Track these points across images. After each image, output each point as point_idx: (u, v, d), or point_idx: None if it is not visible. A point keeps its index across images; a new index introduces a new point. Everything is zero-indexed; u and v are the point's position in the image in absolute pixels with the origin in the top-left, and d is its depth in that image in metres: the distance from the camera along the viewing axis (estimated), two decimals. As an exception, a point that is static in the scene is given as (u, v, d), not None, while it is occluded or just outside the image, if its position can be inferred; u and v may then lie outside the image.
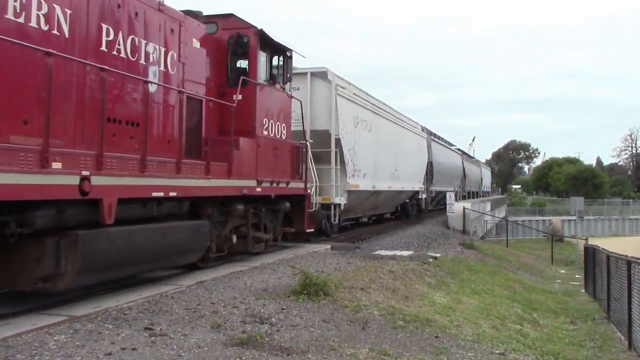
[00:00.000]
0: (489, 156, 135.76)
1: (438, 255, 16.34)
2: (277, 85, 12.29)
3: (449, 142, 46.31)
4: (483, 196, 58.38)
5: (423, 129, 32.44)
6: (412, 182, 26.99)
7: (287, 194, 12.69)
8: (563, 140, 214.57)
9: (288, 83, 13.06)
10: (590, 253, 19.27)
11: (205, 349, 5.75)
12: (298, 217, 13.51)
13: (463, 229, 28.44)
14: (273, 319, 7.10)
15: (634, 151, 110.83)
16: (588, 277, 19.97)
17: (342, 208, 17.41)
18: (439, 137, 40.94)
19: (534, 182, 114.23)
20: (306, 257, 12.69)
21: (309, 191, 13.83)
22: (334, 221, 17.04)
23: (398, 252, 15.45)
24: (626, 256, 12.29)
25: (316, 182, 14.62)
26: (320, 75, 17.11)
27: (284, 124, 12.66)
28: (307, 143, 14.15)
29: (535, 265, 29.11)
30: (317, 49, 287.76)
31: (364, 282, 10.19)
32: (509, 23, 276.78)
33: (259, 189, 11.16)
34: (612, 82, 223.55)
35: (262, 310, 7.47)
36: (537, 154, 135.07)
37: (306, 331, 6.84)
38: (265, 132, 11.69)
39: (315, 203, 14.53)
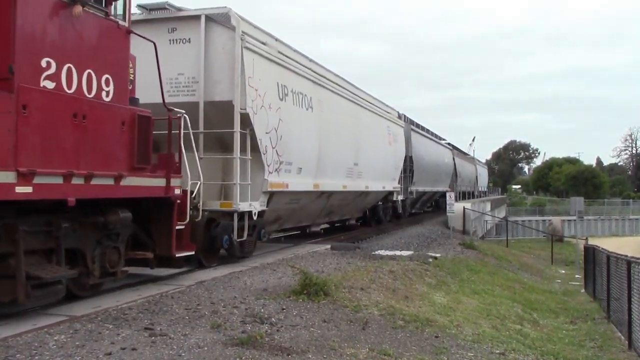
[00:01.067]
0: (489, 156, 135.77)
1: (438, 255, 16.33)
2: (78, 8, 6.95)
3: (436, 135, 39.04)
4: (479, 197, 53.90)
5: (400, 116, 25.91)
6: (382, 180, 21.19)
7: (121, 198, 7.84)
8: (563, 140, 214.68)
9: (113, 5, 7.74)
10: (590, 253, 19.27)
11: (205, 349, 5.75)
12: (163, 234, 8.83)
13: (463, 229, 28.43)
14: (273, 319, 7.10)
15: (634, 151, 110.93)
16: (588, 277, 19.97)
17: (257, 217, 11.98)
18: (422, 128, 33.50)
19: (534, 182, 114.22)
20: (306, 257, 12.69)
21: (177, 192, 8.88)
22: (244, 236, 11.58)
23: (398, 252, 15.44)
24: (626, 256, 12.29)
25: (198, 178, 9.78)
26: (220, 19, 11.42)
27: (107, 76, 7.52)
28: (183, 116, 9.46)
29: (535, 265, 29.11)
30: (316, 48, 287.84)
31: (364, 282, 10.19)
32: (509, 23, 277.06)
33: (23, 189, 6.18)
34: (612, 81, 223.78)
35: (262, 310, 7.47)
36: (537, 154, 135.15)
37: (306, 331, 6.84)
38: (51, 84, 6.65)
39: (201, 211, 10.07)
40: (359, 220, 23.65)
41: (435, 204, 39.69)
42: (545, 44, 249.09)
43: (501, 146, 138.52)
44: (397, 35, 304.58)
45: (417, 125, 31.65)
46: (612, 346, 11.35)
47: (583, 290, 20.38)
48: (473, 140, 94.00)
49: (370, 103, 20.48)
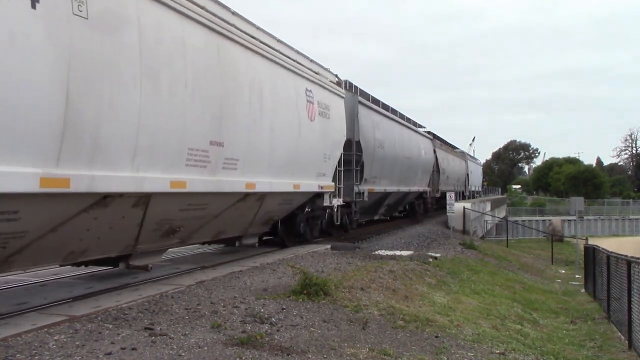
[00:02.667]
0: (489, 156, 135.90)
1: (438, 255, 16.34)
2: None
3: (407, 119, 28.61)
4: (471, 197, 48.47)
5: (341, 82, 17.06)
6: (293, 176, 12.94)
7: None
8: (563, 140, 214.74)
9: None
10: (590, 253, 19.27)
11: (205, 348, 5.75)
12: None
13: (463, 229, 28.44)
14: (273, 319, 7.10)
15: (634, 151, 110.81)
16: (588, 277, 19.97)
17: None
18: (382, 105, 23.67)
19: (534, 182, 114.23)
20: (306, 257, 12.69)
21: None
22: None
23: (398, 252, 15.45)
24: (626, 256, 12.29)
25: None
26: None
27: None
28: None
29: (535, 265, 29.12)
30: (317, 49, 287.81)
31: (364, 282, 10.19)
32: (509, 23, 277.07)
33: None
34: (611, 82, 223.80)
35: (262, 310, 7.47)
36: (537, 154, 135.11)
37: (306, 331, 6.84)
38: None
39: None
40: (269, 236, 15.32)
41: (409, 208, 31.04)
42: (545, 44, 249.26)
43: (501, 146, 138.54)
44: (397, 35, 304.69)
45: (373, 100, 22.04)
46: (612, 346, 11.34)
47: (583, 290, 20.37)
48: (473, 140, 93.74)
49: (268, 46, 11.74)
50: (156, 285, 8.97)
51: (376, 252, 15.06)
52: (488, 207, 41.45)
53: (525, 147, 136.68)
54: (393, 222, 27.32)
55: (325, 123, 14.78)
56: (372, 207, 22.19)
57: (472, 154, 71.29)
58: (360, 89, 20.56)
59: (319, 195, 15.30)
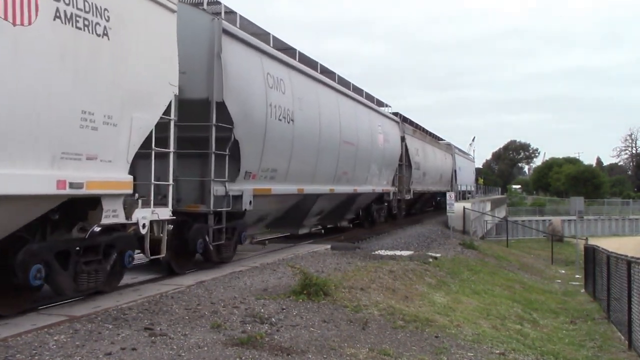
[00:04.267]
0: (489, 156, 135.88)
1: (438, 255, 16.34)
2: None
3: (356, 88, 19.76)
4: (460, 199, 38.74)
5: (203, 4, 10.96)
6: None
7: None
8: (563, 140, 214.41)
9: None
10: (590, 253, 19.27)
11: (205, 349, 5.75)
12: None
13: (463, 229, 28.43)
14: (273, 319, 7.11)
15: (634, 151, 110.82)
16: (588, 277, 19.97)
17: None
18: (302, 58, 15.10)
19: (534, 182, 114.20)
20: (306, 257, 12.70)
21: None
22: None
23: (398, 252, 15.45)
24: (626, 256, 12.29)
25: None
26: None
27: None
28: None
29: (535, 265, 29.10)
30: (318, 48, 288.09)
31: (364, 282, 10.19)
32: (509, 23, 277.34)
33: None
34: (612, 82, 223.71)
35: (262, 310, 7.47)
36: (537, 154, 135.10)
37: (306, 331, 6.84)
38: None
39: None
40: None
41: (365, 215, 23.12)
42: (545, 44, 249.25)
43: (501, 146, 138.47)
44: (397, 35, 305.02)
45: (276, 45, 13.65)
46: (612, 346, 11.35)
47: (583, 290, 20.37)
48: (473, 140, 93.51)
49: None
50: (156, 286, 8.97)
51: (376, 252, 15.07)
52: (488, 207, 41.42)
53: (525, 147, 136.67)
54: (393, 223, 26.96)
55: (94, 45, 6.91)
56: (289, 216, 14.91)
57: (471, 154, 70.69)
58: (240, 15, 12.03)
59: (94, 204, 7.32)
